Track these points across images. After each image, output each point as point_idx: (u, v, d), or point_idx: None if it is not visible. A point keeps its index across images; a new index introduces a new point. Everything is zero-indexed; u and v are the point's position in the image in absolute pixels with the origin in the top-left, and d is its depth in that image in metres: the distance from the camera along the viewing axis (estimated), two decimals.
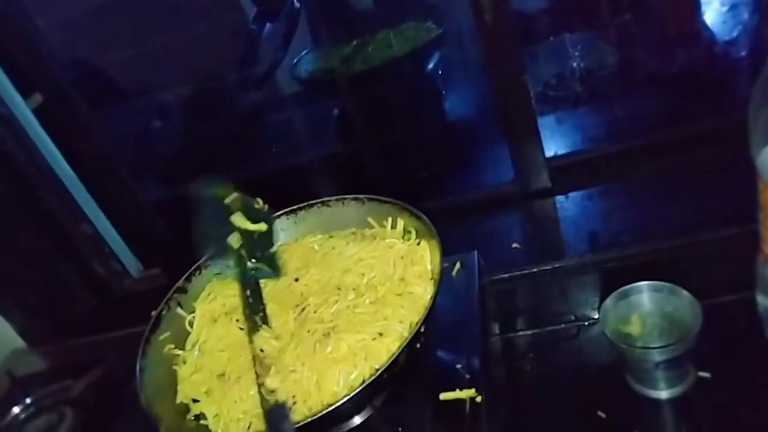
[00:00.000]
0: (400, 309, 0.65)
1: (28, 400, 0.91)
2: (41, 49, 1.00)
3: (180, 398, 0.67)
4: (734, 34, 1.18)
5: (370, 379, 0.58)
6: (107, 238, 1.21)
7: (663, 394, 0.76)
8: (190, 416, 0.66)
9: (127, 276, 1.24)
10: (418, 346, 0.62)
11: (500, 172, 1.00)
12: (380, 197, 0.77)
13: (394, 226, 0.76)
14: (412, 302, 0.66)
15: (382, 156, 1.15)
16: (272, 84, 1.43)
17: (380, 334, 0.63)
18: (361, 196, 0.79)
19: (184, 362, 0.71)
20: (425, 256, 0.70)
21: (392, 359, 0.58)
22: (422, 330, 0.60)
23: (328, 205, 0.81)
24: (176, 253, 1.22)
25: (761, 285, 0.74)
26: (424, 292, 0.67)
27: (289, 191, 0.90)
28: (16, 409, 0.89)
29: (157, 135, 1.51)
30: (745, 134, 0.67)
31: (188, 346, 0.73)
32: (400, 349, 0.59)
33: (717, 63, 1.12)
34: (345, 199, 0.80)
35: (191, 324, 0.75)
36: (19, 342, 1.07)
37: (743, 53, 1.12)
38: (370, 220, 0.78)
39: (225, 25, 1.39)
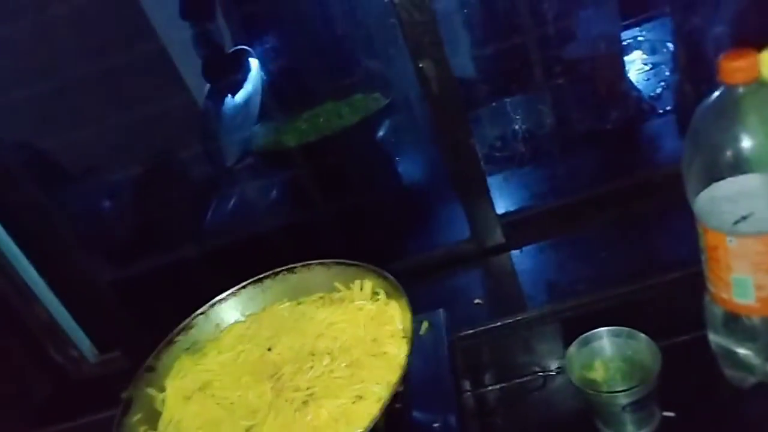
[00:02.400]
0: (376, 370, 0.66)
1: None
2: None
3: None
4: (658, 90, 1.28)
5: None
6: (61, 322, 1.19)
7: None
8: None
9: (84, 361, 1.21)
10: (398, 406, 0.63)
11: (456, 230, 1.04)
12: (345, 261, 0.79)
13: (361, 289, 0.77)
14: (387, 362, 0.67)
15: (340, 222, 1.18)
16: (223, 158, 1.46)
17: (359, 397, 0.63)
18: (326, 261, 0.81)
19: None
20: (395, 316, 0.72)
21: (374, 422, 0.59)
22: (401, 389, 0.62)
23: (294, 272, 0.82)
24: (135, 336, 1.21)
25: (710, 323, 0.79)
26: (398, 351, 0.68)
27: (250, 262, 0.91)
28: None
29: (109, 214, 1.50)
30: (678, 183, 0.73)
31: (161, 427, 0.71)
32: (382, 410, 0.60)
33: (645, 118, 1.21)
34: (310, 264, 0.82)
35: (164, 402, 0.74)
36: None
37: (668, 107, 1.22)
38: (336, 284, 0.80)
39: (172, 104, 1.42)
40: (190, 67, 1.39)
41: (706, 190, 0.69)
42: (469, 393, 0.88)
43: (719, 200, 0.68)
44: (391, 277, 0.74)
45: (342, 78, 1.31)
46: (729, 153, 0.66)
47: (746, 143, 0.65)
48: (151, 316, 1.20)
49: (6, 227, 1.14)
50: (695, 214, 0.71)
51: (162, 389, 0.75)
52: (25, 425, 1.05)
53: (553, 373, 0.90)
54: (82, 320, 1.23)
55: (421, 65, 0.87)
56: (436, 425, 0.70)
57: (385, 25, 0.95)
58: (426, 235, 1.10)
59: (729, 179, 0.67)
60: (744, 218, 0.67)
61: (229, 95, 1.42)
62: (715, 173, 0.68)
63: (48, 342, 1.16)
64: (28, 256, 1.17)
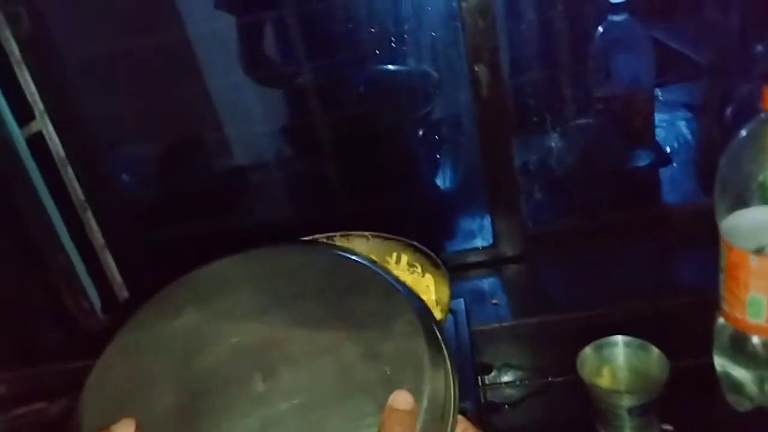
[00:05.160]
0: None
1: None
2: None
3: None
4: (675, 145, 1.36)
5: None
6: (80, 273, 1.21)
7: None
8: None
9: (93, 314, 1.22)
10: None
11: (480, 237, 1.09)
12: (384, 234, 0.83)
13: (398, 262, 0.81)
14: None
15: (368, 217, 1.21)
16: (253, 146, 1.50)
17: None
18: (365, 232, 0.84)
19: None
20: (430, 287, 0.75)
21: None
22: None
23: (333, 241, 0.86)
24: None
25: (718, 344, 0.83)
26: None
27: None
28: None
29: (132, 185, 1.54)
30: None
31: None
32: None
33: (664, 164, 1.28)
34: (350, 235, 0.85)
35: None
36: None
37: (684, 160, 1.29)
38: (372, 257, 0.83)
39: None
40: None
41: (735, 213, 0.74)
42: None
43: (747, 224, 0.73)
44: (429, 251, 0.77)
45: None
46: (760, 180, 0.71)
47: None
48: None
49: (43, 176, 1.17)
50: (722, 233, 0.75)
51: None
52: (34, 362, 1.06)
53: (560, 379, 0.94)
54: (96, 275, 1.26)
55: (475, 68, 0.93)
56: None
57: (447, 27, 1.01)
58: (450, 238, 1.14)
59: (759, 207, 0.72)
60: (763, 247, 0.72)
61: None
62: (745, 198, 0.73)
63: (65, 289, 1.18)
64: (58, 205, 1.20)
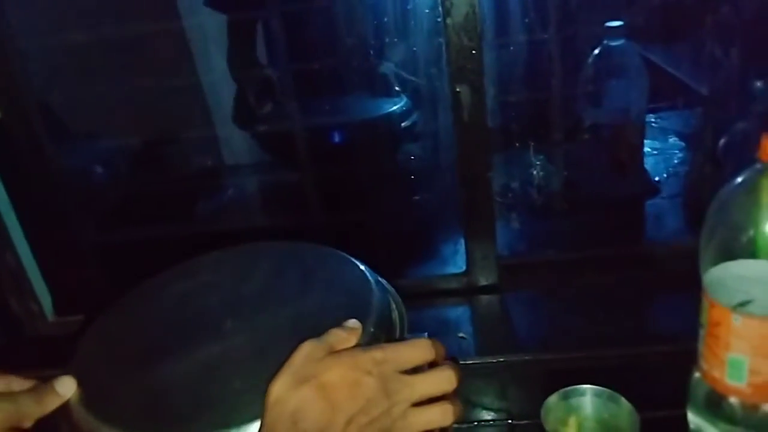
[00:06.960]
0: None
1: None
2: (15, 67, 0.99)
3: None
4: (665, 175, 1.31)
5: None
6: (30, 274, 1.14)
7: None
8: None
9: (42, 318, 1.16)
10: None
11: (452, 263, 1.03)
12: None
13: None
14: None
15: (338, 231, 1.16)
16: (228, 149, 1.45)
17: None
18: None
19: None
20: None
21: None
22: None
23: None
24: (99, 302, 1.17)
25: (693, 401, 0.78)
26: None
27: None
28: None
29: (101, 180, 1.47)
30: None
31: None
32: None
33: (651, 196, 1.23)
34: None
35: None
36: None
37: (673, 192, 1.25)
38: None
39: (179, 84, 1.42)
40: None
41: (720, 266, 0.69)
42: None
43: (732, 278, 0.68)
44: (390, 287, 0.72)
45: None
46: (750, 233, 0.66)
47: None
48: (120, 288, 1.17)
49: None
50: (704, 286, 0.70)
51: None
52: None
53: (524, 422, 0.88)
54: (49, 276, 1.19)
55: (458, 90, 0.87)
56: None
57: (431, 43, 0.95)
58: (422, 261, 1.09)
59: (745, 260, 0.67)
60: (745, 303, 0.67)
61: None
62: (732, 251, 0.68)
63: (11, 291, 1.11)
64: (12, 199, 1.13)
